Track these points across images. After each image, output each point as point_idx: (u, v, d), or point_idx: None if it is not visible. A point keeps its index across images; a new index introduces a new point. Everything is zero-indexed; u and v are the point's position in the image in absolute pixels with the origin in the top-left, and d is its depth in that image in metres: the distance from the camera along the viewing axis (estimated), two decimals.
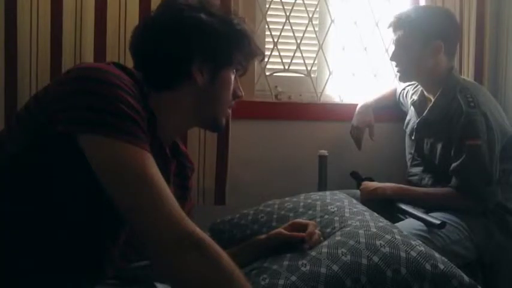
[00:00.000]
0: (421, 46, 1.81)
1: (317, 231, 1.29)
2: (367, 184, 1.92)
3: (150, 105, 1.01)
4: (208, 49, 1.10)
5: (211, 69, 1.11)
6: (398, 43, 1.87)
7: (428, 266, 1.16)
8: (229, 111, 1.23)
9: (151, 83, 1.05)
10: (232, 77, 1.15)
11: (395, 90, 2.18)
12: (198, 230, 0.87)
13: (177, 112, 1.10)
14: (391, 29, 1.90)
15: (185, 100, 1.10)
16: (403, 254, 1.17)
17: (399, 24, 1.85)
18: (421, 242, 1.27)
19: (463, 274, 1.18)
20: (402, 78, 1.96)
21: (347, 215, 1.36)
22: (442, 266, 1.17)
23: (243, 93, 1.21)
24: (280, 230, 1.30)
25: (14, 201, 0.91)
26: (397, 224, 1.50)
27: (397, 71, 1.93)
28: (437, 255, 1.21)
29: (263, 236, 1.32)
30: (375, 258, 1.15)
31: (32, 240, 0.91)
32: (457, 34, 1.95)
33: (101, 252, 1.02)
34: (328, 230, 1.32)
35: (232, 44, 1.13)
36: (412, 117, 2.00)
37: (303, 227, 1.29)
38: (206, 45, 1.10)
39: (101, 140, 0.86)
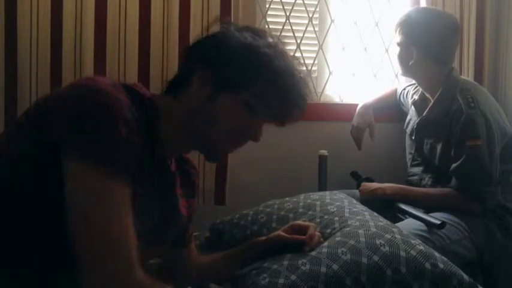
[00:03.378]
0: (421, 51, 1.82)
1: (317, 233, 1.28)
2: (367, 184, 1.92)
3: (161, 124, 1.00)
4: (216, 63, 1.03)
5: (212, 85, 1.03)
6: (399, 45, 1.88)
7: (428, 265, 1.16)
8: (231, 147, 1.09)
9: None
10: (238, 106, 1.02)
11: (395, 90, 2.18)
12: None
13: (175, 122, 1.05)
14: (394, 30, 1.91)
15: (180, 110, 1.05)
16: (403, 253, 1.17)
17: (400, 27, 1.86)
18: (420, 242, 1.27)
19: (462, 273, 1.18)
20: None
21: (347, 215, 1.36)
22: (441, 265, 1.17)
23: (254, 136, 1.06)
24: (280, 232, 1.28)
25: (13, 205, 0.90)
26: (397, 224, 1.50)
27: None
28: (437, 254, 1.21)
29: (263, 238, 1.31)
30: (375, 258, 1.15)
31: (28, 243, 0.90)
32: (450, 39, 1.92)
33: None
34: (328, 230, 1.31)
35: (246, 66, 1.02)
36: (412, 117, 2.00)
37: (303, 229, 1.27)
38: (214, 58, 1.03)
39: (79, 163, 0.84)
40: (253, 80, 1.02)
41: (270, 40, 1.07)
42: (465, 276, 1.18)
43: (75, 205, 0.83)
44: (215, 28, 1.12)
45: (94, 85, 0.90)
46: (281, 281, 1.10)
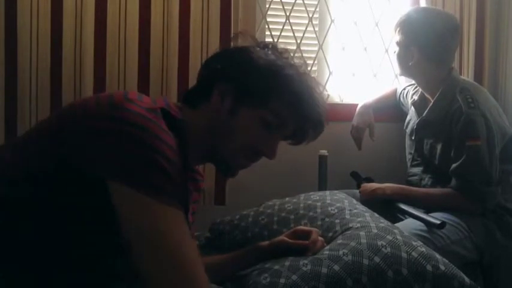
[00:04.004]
0: (421, 51, 1.82)
1: (320, 238, 1.27)
2: (367, 185, 1.92)
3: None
4: (238, 78, 1.04)
5: (233, 100, 1.04)
6: (399, 45, 1.88)
7: (429, 267, 1.16)
8: (247, 162, 1.10)
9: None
10: (257, 122, 1.04)
11: (395, 90, 2.18)
12: None
13: (194, 134, 1.04)
14: (394, 30, 1.91)
15: (199, 122, 1.05)
16: (404, 255, 1.17)
17: (400, 27, 1.86)
18: (422, 243, 1.27)
19: (463, 275, 1.18)
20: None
21: (347, 217, 1.36)
22: (443, 267, 1.17)
23: (271, 154, 1.08)
24: (283, 237, 1.28)
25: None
26: (397, 224, 1.50)
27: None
28: (438, 256, 1.21)
29: (266, 243, 1.29)
30: (376, 259, 1.15)
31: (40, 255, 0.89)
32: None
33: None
34: (330, 234, 1.32)
35: (268, 84, 1.04)
36: (412, 117, 2.00)
37: (306, 234, 1.27)
38: (237, 73, 1.04)
39: (131, 192, 0.82)
40: (274, 99, 1.04)
41: (293, 61, 1.09)
42: (466, 279, 1.18)
43: (136, 232, 0.82)
44: (236, 41, 1.15)
45: (131, 108, 0.87)
46: (282, 280, 1.10)
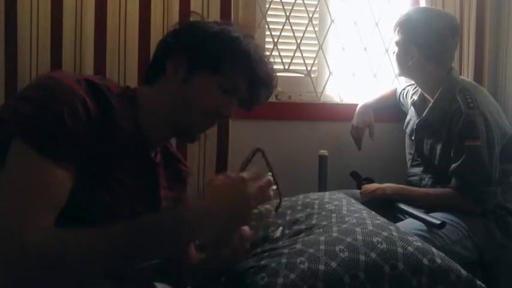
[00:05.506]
0: (421, 51, 1.82)
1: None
2: (367, 186, 1.92)
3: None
4: (189, 48, 1.10)
5: (186, 69, 1.09)
6: (398, 45, 1.88)
7: (425, 261, 1.16)
8: (206, 126, 1.17)
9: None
10: (212, 86, 1.10)
11: (395, 90, 2.18)
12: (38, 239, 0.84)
13: (154, 110, 1.10)
14: (393, 30, 1.91)
15: (158, 97, 1.11)
16: (400, 250, 1.17)
17: (400, 27, 1.86)
18: (418, 238, 1.27)
19: (460, 268, 1.19)
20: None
21: (344, 212, 1.37)
22: (439, 261, 1.18)
23: (228, 114, 1.14)
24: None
25: None
26: (397, 224, 1.50)
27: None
28: (434, 250, 1.22)
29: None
30: (373, 255, 1.15)
31: None
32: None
33: None
34: (325, 223, 1.32)
35: (218, 48, 1.09)
36: (412, 118, 2.00)
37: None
38: (188, 43, 1.10)
39: (18, 143, 0.88)
40: (224, 62, 1.09)
41: (238, 25, 1.18)
42: (463, 271, 1.19)
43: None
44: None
45: (49, 75, 0.99)
46: (280, 280, 1.10)
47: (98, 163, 0.97)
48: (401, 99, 2.13)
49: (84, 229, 0.86)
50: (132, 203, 1.04)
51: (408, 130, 2.02)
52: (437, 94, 1.84)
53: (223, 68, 1.09)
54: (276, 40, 2.10)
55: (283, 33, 2.11)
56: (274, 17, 2.14)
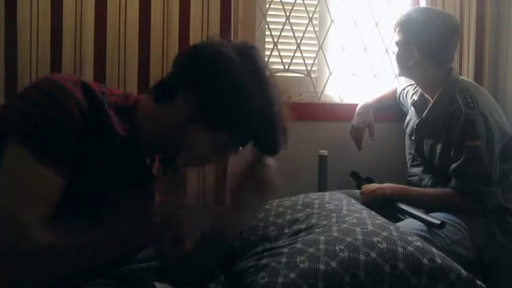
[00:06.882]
0: (421, 51, 1.82)
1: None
2: (367, 186, 1.92)
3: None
4: (204, 96, 1.03)
5: (193, 113, 1.04)
6: (398, 45, 1.88)
7: (425, 261, 1.16)
8: (195, 166, 1.21)
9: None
10: (210, 141, 1.07)
11: (395, 91, 2.18)
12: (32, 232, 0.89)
13: (150, 129, 1.09)
14: (393, 30, 1.91)
15: (157, 121, 1.08)
16: (400, 249, 1.17)
17: (400, 27, 1.86)
18: (418, 238, 1.27)
19: (460, 268, 1.19)
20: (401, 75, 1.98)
21: (344, 212, 1.37)
22: (439, 260, 1.18)
23: (221, 165, 1.16)
24: None
25: None
26: (397, 224, 1.50)
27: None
28: (434, 250, 1.22)
29: None
30: (373, 254, 1.15)
31: None
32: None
33: None
34: (325, 222, 1.32)
35: (230, 114, 1.03)
36: (412, 118, 2.00)
37: None
38: (204, 91, 1.04)
39: (13, 143, 0.91)
40: (231, 126, 1.05)
41: (264, 75, 1.09)
42: (463, 271, 1.18)
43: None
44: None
45: (46, 76, 1.00)
46: (280, 279, 1.10)
47: (90, 164, 0.99)
48: (401, 99, 2.13)
49: (75, 228, 0.93)
50: (121, 204, 1.05)
51: (408, 130, 2.02)
52: (437, 94, 1.84)
53: (227, 130, 1.06)
54: (276, 40, 2.10)
55: (283, 33, 2.12)
56: (274, 17, 2.14)
